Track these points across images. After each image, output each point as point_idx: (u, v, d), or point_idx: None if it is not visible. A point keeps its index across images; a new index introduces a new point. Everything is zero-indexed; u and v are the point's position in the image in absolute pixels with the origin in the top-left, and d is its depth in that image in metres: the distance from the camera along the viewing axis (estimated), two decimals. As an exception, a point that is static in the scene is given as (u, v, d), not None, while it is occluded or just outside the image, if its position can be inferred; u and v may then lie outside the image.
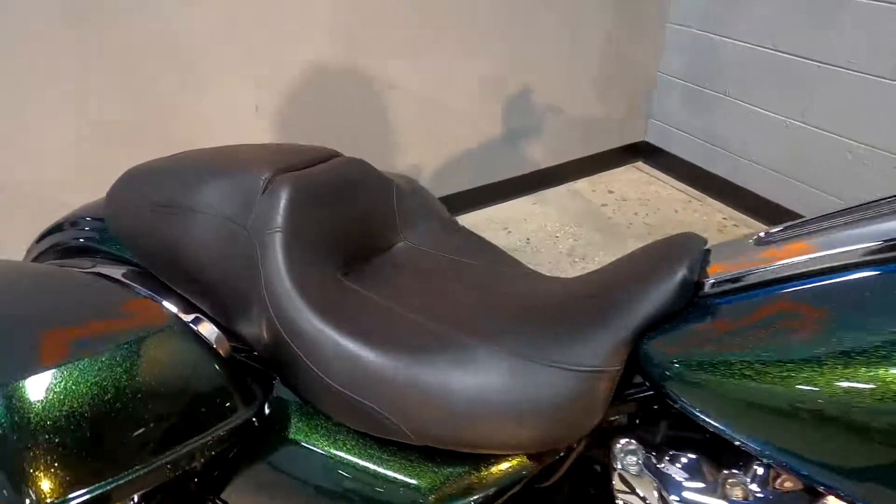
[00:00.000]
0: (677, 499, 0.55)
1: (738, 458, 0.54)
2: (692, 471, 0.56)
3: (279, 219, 0.66)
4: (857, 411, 0.43)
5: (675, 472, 0.56)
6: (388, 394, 0.59)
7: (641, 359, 0.56)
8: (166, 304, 0.70)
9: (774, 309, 0.50)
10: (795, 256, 0.51)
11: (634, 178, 2.63)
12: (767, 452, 0.49)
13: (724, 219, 2.33)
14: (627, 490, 0.57)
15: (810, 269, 0.50)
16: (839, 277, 0.48)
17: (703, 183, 2.48)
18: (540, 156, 2.49)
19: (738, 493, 0.51)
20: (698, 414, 0.52)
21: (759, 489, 0.52)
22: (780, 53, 2.07)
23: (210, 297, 0.70)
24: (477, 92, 2.20)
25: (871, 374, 0.43)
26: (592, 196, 2.51)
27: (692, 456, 0.56)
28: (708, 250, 0.59)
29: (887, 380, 0.42)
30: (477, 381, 0.58)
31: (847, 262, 0.48)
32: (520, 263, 0.81)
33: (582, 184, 2.59)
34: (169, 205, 0.71)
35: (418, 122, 2.14)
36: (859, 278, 0.47)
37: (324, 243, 0.70)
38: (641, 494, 0.57)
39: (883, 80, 1.81)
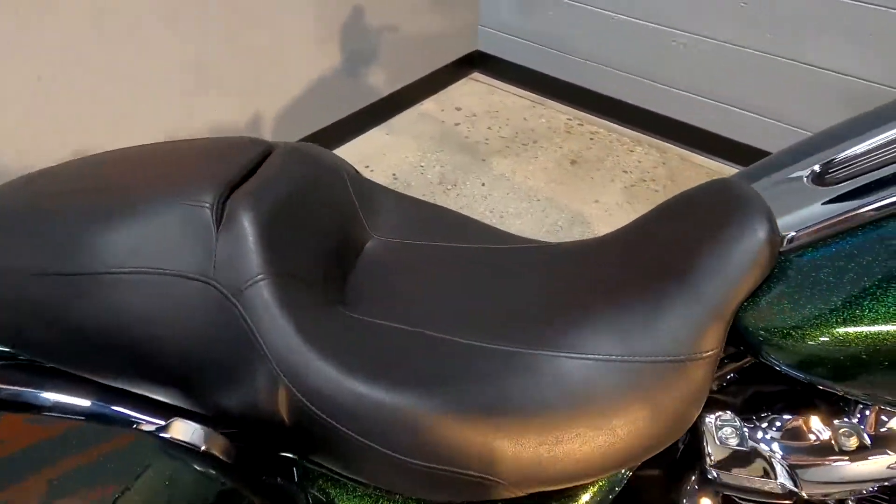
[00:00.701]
0: (792, 461, 0.53)
1: (842, 406, 0.53)
2: (798, 431, 0.54)
3: (257, 260, 0.47)
4: None
5: (782, 435, 0.54)
6: (475, 449, 0.47)
7: (742, 332, 0.51)
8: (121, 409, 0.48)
9: (864, 256, 0.47)
10: (869, 199, 0.48)
11: (476, 91, 2.57)
12: (881, 397, 0.48)
13: (569, 119, 2.40)
14: (726, 466, 0.54)
15: (884, 211, 0.47)
16: None
17: (541, 86, 2.51)
18: (381, 82, 2.31)
19: (853, 442, 0.51)
20: (811, 376, 0.49)
21: (872, 432, 0.52)
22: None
23: (168, 383, 0.49)
24: (311, 24, 1.92)
25: None
26: (443, 116, 2.41)
27: (794, 416, 0.54)
28: (756, 194, 0.54)
29: None
30: (573, 399, 0.48)
31: None
32: (511, 235, 0.70)
33: (429, 105, 2.47)
34: (64, 271, 0.47)
35: (249, 72, 1.82)
36: None
37: (310, 272, 0.52)
38: (746, 467, 0.54)
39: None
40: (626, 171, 2.13)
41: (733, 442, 0.54)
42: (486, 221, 1.96)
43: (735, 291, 0.49)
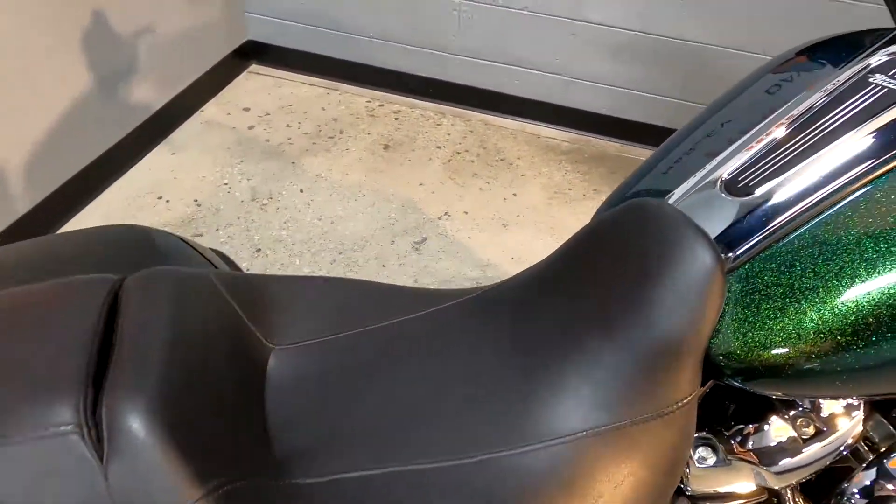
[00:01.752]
0: (762, 461, 0.55)
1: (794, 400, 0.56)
2: (763, 433, 0.56)
3: (177, 482, 0.34)
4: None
5: (750, 441, 0.56)
6: None
7: (711, 364, 0.50)
8: None
9: (801, 262, 0.48)
10: (791, 201, 0.50)
11: (261, 86, 2.34)
12: (848, 393, 0.51)
13: (369, 102, 2.31)
14: (704, 483, 0.55)
15: (812, 210, 0.49)
16: (841, 204, 0.49)
17: (331, 70, 2.37)
18: (148, 95, 1.98)
19: (811, 430, 0.54)
20: (777, 391, 0.51)
21: (823, 416, 0.55)
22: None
23: None
24: (44, 41, 1.54)
25: None
26: (232, 120, 2.16)
27: (757, 420, 0.56)
28: (683, 214, 0.54)
29: None
30: (573, 483, 0.44)
31: (846, 189, 0.49)
32: (419, 290, 0.63)
33: (212, 109, 2.19)
34: None
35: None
36: (860, 198, 0.49)
37: (230, 458, 0.40)
38: (722, 479, 0.55)
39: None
40: (439, 147, 2.13)
41: (711, 461, 0.55)
42: (317, 230, 1.84)
43: (703, 328, 0.48)
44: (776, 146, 0.52)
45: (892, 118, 0.49)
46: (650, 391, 0.47)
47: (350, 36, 2.27)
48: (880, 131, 0.49)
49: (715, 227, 0.50)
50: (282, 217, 1.80)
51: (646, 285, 0.50)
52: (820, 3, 1.75)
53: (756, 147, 0.53)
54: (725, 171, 0.53)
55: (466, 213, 1.87)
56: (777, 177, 0.51)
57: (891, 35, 0.57)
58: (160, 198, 1.83)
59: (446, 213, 1.86)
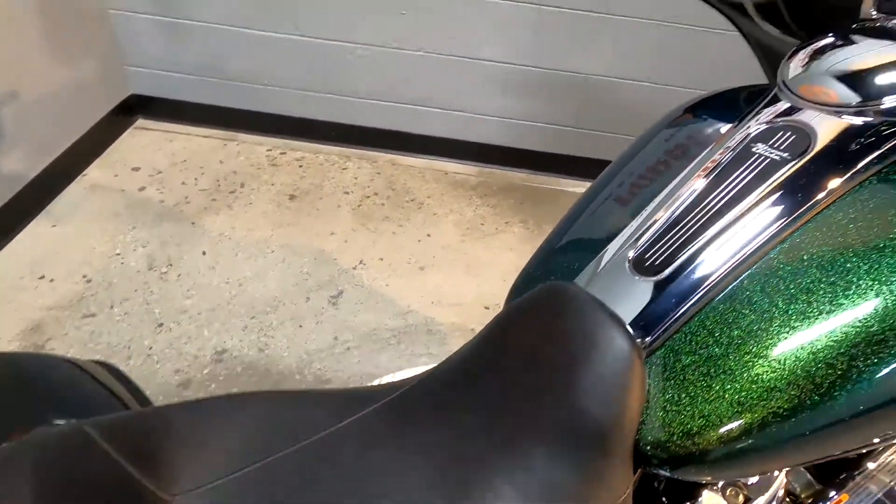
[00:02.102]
0: None
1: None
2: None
3: None
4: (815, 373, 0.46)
5: None
6: None
7: (639, 452, 0.49)
8: None
9: (713, 334, 0.48)
10: (698, 279, 0.50)
11: (150, 142, 2.21)
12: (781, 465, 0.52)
13: (270, 150, 2.24)
14: None
15: (720, 284, 0.50)
16: (746, 274, 0.50)
17: (225, 120, 2.27)
18: (22, 162, 1.81)
19: (740, 500, 0.54)
20: (710, 477, 0.50)
21: (752, 481, 0.56)
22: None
23: None
24: None
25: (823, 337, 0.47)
26: (120, 182, 2.01)
27: (693, 499, 0.56)
28: (596, 300, 0.53)
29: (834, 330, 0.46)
30: None
31: (749, 259, 0.50)
32: (329, 392, 0.58)
33: (96, 173, 2.04)
34: None
35: None
36: (764, 266, 0.50)
37: None
38: None
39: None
40: (347, 192, 2.08)
41: None
42: (225, 295, 1.73)
43: (628, 420, 0.47)
44: (677, 220, 0.53)
45: (779, 187, 0.51)
46: (585, 494, 0.46)
47: (244, 84, 2.19)
48: (770, 202, 0.51)
49: (628, 311, 0.50)
50: (184, 285, 1.68)
51: (566, 380, 0.49)
52: (692, 33, 1.88)
53: (658, 222, 0.54)
54: (631, 250, 0.53)
55: (382, 259, 1.83)
56: (682, 252, 0.51)
57: (770, 95, 0.59)
58: (42, 277, 1.66)
59: (361, 262, 1.81)
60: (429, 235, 1.93)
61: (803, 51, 0.59)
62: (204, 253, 1.78)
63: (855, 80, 0.53)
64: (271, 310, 1.63)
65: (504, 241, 1.94)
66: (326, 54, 2.08)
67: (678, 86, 1.96)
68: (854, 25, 0.59)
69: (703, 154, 0.57)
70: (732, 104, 0.66)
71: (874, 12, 0.66)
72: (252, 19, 2.04)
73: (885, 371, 0.44)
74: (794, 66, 0.58)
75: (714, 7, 0.84)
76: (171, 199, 1.97)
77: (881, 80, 0.52)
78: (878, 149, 0.51)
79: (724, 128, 0.61)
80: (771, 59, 0.84)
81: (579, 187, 2.21)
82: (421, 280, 1.77)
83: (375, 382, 1.00)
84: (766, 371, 0.45)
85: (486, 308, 1.69)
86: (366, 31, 2.02)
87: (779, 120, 0.55)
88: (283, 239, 1.86)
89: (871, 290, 0.45)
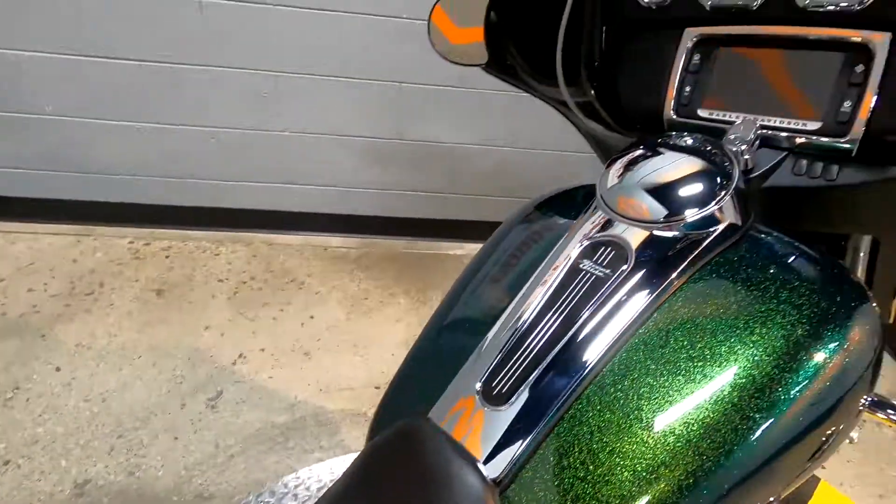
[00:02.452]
0: None
1: None
2: None
3: None
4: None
5: None
6: None
7: None
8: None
9: (564, 459, 0.49)
10: (543, 406, 0.51)
11: (-11, 246, 1.99)
12: None
13: (132, 243, 2.09)
14: None
15: (563, 408, 0.51)
16: (588, 393, 0.52)
17: (79, 215, 2.10)
18: None
19: None
20: None
21: None
22: (85, 58, 1.82)
23: None
24: None
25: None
26: (-49, 298, 1.78)
27: None
28: (449, 438, 0.52)
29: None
30: None
31: (588, 378, 0.52)
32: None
33: (-80, 290, 1.79)
34: None
35: None
36: (604, 382, 0.52)
37: None
38: None
39: (193, 66, 1.87)
40: (221, 280, 1.98)
41: None
42: (85, 415, 1.57)
43: None
44: (517, 345, 0.54)
45: (605, 303, 0.54)
46: None
47: (98, 175, 2.05)
48: (600, 318, 0.54)
49: (480, 446, 0.50)
50: (35, 410, 1.50)
51: None
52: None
53: (501, 348, 0.55)
54: (478, 381, 0.54)
55: (263, 349, 1.74)
56: (527, 379, 0.52)
57: (593, 204, 0.63)
58: None
59: (241, 356, 1.71)
60: (312, 317, 1.88)
61: (619, 161, 0.64)
62: (58, 369, 1.60)
63: (661, 194, 0.58)
64: (141, 424, 1.49)
65: (390, 314, 1.92)
66: (187, 140, 2.00)
67: (533, 148, 2.09)
68: (660, 138, 0.64)
69: (538, 270, 0.60)
70: (571, 205, 0.69)
71: (674, 115, 0.74)
72: (101, 110, 1.92)
73: (766, 425, 0.48)
74: (611, 178, 0.63)
75: (546, 102, 0.90)
76: (16, 309, 1.77)
77: (683, 193, 0.58)
78: (687, 258, 0.55)
79: (562, 234, 0.64)
80: (605, 152, 0.91)
81: (459, 249, 2.27)
82: (307, 367, 1.71)
83: (264, 490, 0.94)
84: (630, 480, 0.46)
85: (377, 388, 1.65)
86: (227, 115, 1.97)
87: (599, 235, 0.58)
88: (152, 340, 1.72)
89: (710, 371, 0.49)
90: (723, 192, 0.56)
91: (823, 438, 0.53)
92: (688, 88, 0.72)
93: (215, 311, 1.85)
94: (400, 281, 2.08)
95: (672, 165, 0.61)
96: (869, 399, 0.56)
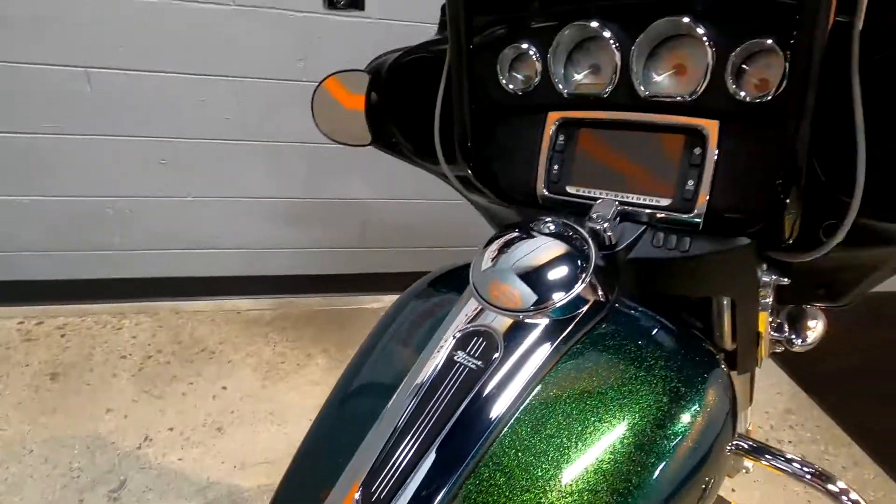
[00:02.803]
0: None
1: None
2: None
3: None
4: None
5: None
6: None
7: None
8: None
9: None
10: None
11: None
12: None
13: (21, 323, 1.95)
14: None
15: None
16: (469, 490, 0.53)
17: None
18: None
19: None
20: None
21: None
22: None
23: None
24: None
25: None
26: None
27: None
28: None
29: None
30: None
31: (463, 476, 0.53)
32: None
33: None
34: None
35: None
36: (482, 479, 0.53)
37: None
38: None
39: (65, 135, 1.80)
40: (124, 357, 1.87)
41: None
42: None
43: None
44: (395, 445, 0.55)
45: (478, 396, 0.56)
46: None
47: (-22, 254, 1.91)
48: (475, 411, 0.55)
49: None
50: None
51: None
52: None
53: (380, 449, 0.55)
54: (359, 485, 0.53)
55: (172, 429, 1.65)
56: (404, 483, 0.53)
57: (468, 291, 0.65)
58: None
59: (147, 439, 1.61)
60: (225, 388, 1.80)
61: (491, 245, 0.67)
62: (-67, 476, 1.45)
63: (526, 281, 0.61)
64: (33, 529, 1.37)
65: (308, 377, 1.88)
66: (83, 211, 1.91)
67: (443, 199, 2.13)
68: (528, 222, 0.67)
69: (416, 364, 0.61)
70: (457, 285, 0.71)
71: (546, 192, 0.78)
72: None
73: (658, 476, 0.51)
74: (483, 264, 0.65)
75: (433, 175, 0.92)
76: None
77: (545, 280, 0.61)
78: (555, 342, 0.58)
79: (442, 320, 0.66)
80: (492, 219, 0.95)
81: (376, 303, 2.26)
82: (220, 443, 1.63)
83: None
84: None
85: (296, 459, 1.59)
86: (125, 184, 1.90)
87: (471, 326, 0.60)
88: (45, 432, 1.59)
89: (586, 447, 0.52)
90: (583, 276, 0.60)
91: (703, 486, 0.58)
92: (556, 167, 0.77)
93: (117, 391, 1.74)
94: (318, 340, 2.04)
95: (536, 252, 0.64)
96: (734, 445, 0.62)
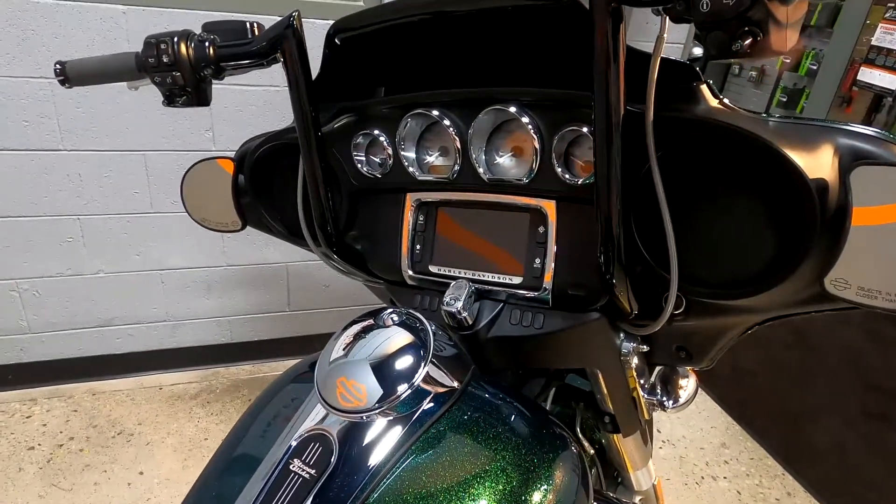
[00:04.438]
0: None
1: None
2: None
3: None
4: None
5: None
6: None
7: None
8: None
9: None
10: None
11: None
12: None
13: (-81, 419, 1.82)
14: None
15: None
16: None
17: None
18: None
19: None
20: None
21: None
22: None
23: None
24: None
25: None
26: None
27: None
28: None
29: None
30: None
31: None
32: None
33: None
34: None
35: None
36: None
37: None
38: None
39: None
40: (32, 448, 1.76)
41: None
42: None
43: None
44: None
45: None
46: None
47: None
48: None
49: None
50: None
51: None
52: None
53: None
54: None
55: (80, 525, 1.55)
56: None
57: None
58: None
59: (51, 539, 1.51)
60: (141, 473, 1.71)
61: (341, 338, 0.65)
62: None
63: (369, 378, 0.60)
64: None
65: (233, 452, 1.80)
66: (-19, 296, 1.82)
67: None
68: (379, 315, 0.66)
69: (258, 470, 0.58)
70: (308, 382, 0.69)
71: (410, 272, 0.78)
72: None
73: None
74: (329, 359, 0.63)
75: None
76: None
77: (389, 374, 0.59)
78: (397, 438, 0.56)
79: (287, 422, 0.64)
80: (382, 297, 0.94)
81: (307, 367, 2.20)
82: (133, 536, 1.54)
83: None
84: None
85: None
86: (31, 265, 1.82)
87: (310, 431, 0.58)
88: (-64, 542, 1.47)
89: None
90: (421, 368, 0.59)
91: None
92: (418, 247, 0.77)
93: (22, 488, 1.63)
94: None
95: (378, 347, 0.62)
96: None
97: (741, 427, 2.11)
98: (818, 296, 0.55)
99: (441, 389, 0.61)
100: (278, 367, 2.18)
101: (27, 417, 1.87)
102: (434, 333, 0.63)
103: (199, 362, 2.12)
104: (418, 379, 0.58)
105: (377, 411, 0.57)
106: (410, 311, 0.66)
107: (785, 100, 3.50)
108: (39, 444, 1.77)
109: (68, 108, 1.65)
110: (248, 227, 0.95)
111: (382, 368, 0.60)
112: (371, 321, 0.66)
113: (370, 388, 0.59)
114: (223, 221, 0.95)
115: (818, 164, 0.51)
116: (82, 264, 1.87)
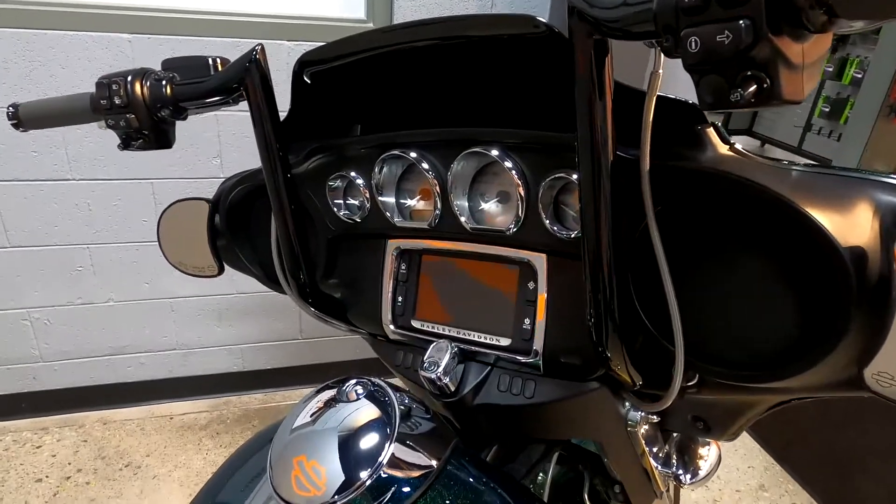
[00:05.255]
0: None
1: None
2: None
3: None
4: None
5: None
6: None
7: None
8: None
9: None
10: None
11: None
12: None
13: (-67, 448, 1.82)
14: None
15: None
16: None
17: None
18: None
19: None
20: None
21: None
22: None
23: None
24: None
25: None
26: None
27: None
28: None
29: None
30: None
31: None
32: None
33: None
34: None
35: None
36: None
37: None
38: None
39: None
40: (39, 480, 1.74)
41: None
42: None
43: None
44: None
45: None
46: None
47: None
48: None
49: None
50: None
51: None
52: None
53: None
54: None
55: (80, 565, 1.51)
56: None
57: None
58: None
59: (50, 579, 1.47)
60: (146, 509, 1.67)
61: (301, 413, 0.58)
62: None
63: (326, 463, 0.52)
64: None
65: (239, 488, 1.74)
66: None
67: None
68: (342, 385, 0.59)
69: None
70: None
71: (392, 327, 0.70)
72: None
73: None
74: (288, 432, 0.56)
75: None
76: None
77: (350, 459, 0.52)
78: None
79: None
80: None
81: (320, 397, 2.14)
82: (132, 578, 1.49)
83: None
84: None
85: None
86: (42, 294, 1.82)
87: None
88: (-63, 580, 1.45)
89: None
90: (385, 448, 0.51)
91: None
92: (400, 299, 0.69)
93: (26, 523, 1.61)
94: (253, 444, 1.91)
95: (338, 426, 0.54)
96: None
97: (782, 468, 1.95)
98: (858, 381, 0.45)
99: (414, 473, 0.53)
100: (291, 396, 2.13)
101: (37, 448, 1.85)
102: (403, 407, 0.55)
103: (211, 391, 2.08)
104: (384, 461, 0.50)
105: (340, 500, 0.50)
106: (378, 380, 0.58)
107: (828, 110, 3.30)
108: (47, 476, 1.75)
109: (76, 138, 1.64)
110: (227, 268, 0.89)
111: (343, 450, 0.53)
112: (335, 392, 0.58)
113: (330, 472, 0.52)
114: (200, 265, 0.89)
115: (853, 226, 0.41)
116: (93, 293, 1.85)
